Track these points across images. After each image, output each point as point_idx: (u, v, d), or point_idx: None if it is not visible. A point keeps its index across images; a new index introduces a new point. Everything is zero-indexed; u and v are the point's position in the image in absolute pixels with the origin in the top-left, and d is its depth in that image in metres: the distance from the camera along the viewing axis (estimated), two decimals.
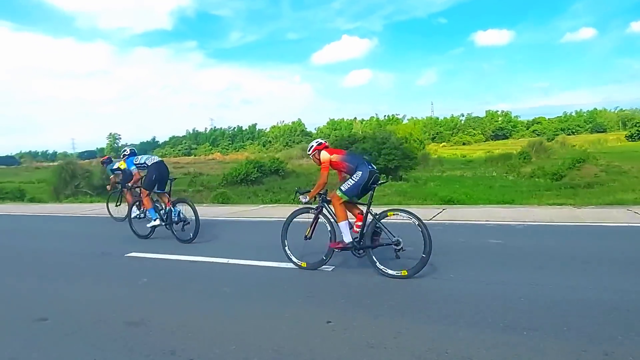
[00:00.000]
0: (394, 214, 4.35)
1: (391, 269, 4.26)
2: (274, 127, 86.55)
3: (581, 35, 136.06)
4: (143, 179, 7.11)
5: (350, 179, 4.51)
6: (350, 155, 4.81)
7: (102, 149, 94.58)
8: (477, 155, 54.75)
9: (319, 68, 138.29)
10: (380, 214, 4.42)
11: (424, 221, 4.22)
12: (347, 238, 4.54)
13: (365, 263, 4.48)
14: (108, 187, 9.74)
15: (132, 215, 7.60)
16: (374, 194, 4.56)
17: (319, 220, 4.76)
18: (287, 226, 4.94)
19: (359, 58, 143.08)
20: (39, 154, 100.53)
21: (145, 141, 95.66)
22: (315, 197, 4.72)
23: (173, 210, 6.61)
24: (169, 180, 7.04)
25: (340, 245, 4.59)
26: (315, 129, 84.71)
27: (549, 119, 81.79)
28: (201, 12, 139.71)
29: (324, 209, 4.75)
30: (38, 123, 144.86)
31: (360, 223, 4.53)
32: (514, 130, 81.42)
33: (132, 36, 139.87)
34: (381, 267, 4.33)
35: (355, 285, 4.21)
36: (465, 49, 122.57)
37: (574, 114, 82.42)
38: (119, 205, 9.15)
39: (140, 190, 7.13)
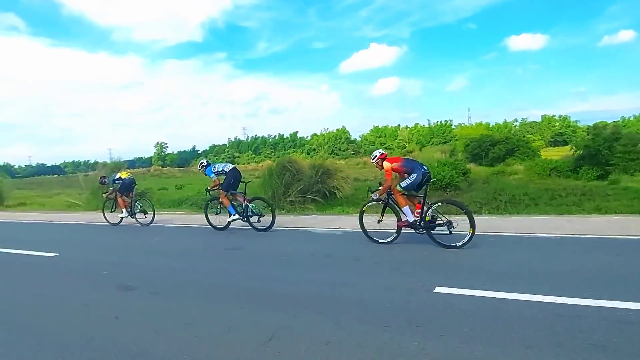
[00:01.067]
0: (443, 203, 6.39)
1: (446, 243, 6.05)
2: (315, 134, 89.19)
3: (620, 37, 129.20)
4: (222, 182, 8.76)
5: (407, 178, 6.40)
6: (406, 162, 6.75)
7: (149, 158, 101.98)
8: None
9: (346, 77, 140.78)
10: (434, 202, 6.32)
11: (467, 206, 6.06)
12: (410, 217, 6.39)
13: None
14: (104, 195, 11.21)
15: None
16: (428, 188, 6.50)
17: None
18: (362, 214, 6.92)
19: (387, 66, 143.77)
20: (81, 163, 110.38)
21: (184, 150, 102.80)
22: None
23: (249, 206, 8.54)
24: (242, 183, 8.93)
25: (406, 224, 6.44)
26: (359, 136, 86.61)
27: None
28: (230, 23, 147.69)
29: (390, 200, 6.68)
30: (76, 134, 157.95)
31: (419, 210, 6.37)
32: (574, 136, 79.17)
33: (164, 49, 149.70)
34: (439, 241, 6.11)
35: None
36: (498, 54, 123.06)
37: (632, 118, 78.93)
38: (114, 211, 10.94)
39: (220, 191, 8.78)
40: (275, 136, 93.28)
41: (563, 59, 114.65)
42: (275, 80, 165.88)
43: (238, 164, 79.98)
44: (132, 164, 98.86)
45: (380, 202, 6.77)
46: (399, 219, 6.54)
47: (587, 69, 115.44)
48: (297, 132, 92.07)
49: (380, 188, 6.71)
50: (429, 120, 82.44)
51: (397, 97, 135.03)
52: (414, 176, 6.33)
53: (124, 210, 10.64)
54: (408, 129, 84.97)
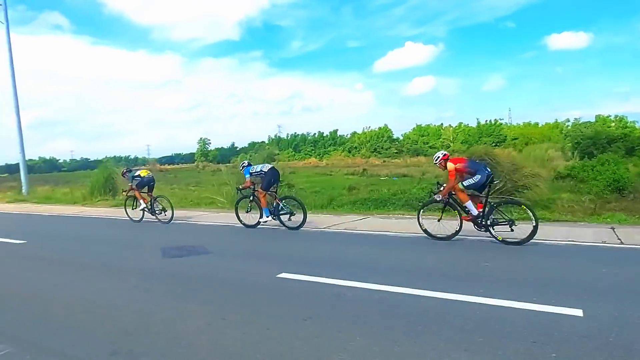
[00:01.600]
0: (506, 204, 7.07)
1: (505, 238, 6.67)
2: (355, 132, 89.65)
3: None
4: (261, 183, 9.16)
5: (471, 178, 6.93)
6: (471, 163, 7.29)
7: (190, 154, 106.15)
8: None
9: (381, 75, 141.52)
10: (498, 202, 7.00)
11: (529, 203, 6.79)
12: (474, 211, 6.99)
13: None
14: (124, 193, 11.89)
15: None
16: (489, 189, 7.06)
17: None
18: (420, 212, 7.51)
19: (422, 64, 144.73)
20: (122, 158, 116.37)
21: (223, 147, 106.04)
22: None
23: (279, 204, 9.04)
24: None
25: (469, 217, 7.04)
26: (401, 135, 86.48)
27: None
28: (266, 22, 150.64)
29: (450, 200, 7.29)
30: (115, 130, 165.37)
31: (480, 210, 6.98)
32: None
33: (201, 47, 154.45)
34: (499, 238, 6.72)
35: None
36: (537, 53, 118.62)
37: None
38: (135, 208, 11.39)
39: (259, 191, 9.16)
40: (315, 133, 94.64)
41: (606, 57, 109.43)
42: (309, 79, 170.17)
43: (278, 161, 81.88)
44: (170, 159, 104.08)
45: (439, 202, 7.35)
46: (461, 214, 7.12)
47: (631, 68, 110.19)
48: (336, 130, 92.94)
49: (442, 189, 7.28)
50: (477, 119, 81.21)
51: (432, 96, 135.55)
52: (477, 177, 6.86)
53: (142, 202, 11.10)
54: (452, 128, 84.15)
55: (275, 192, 9.42)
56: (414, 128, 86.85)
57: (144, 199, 11.20)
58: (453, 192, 7.23)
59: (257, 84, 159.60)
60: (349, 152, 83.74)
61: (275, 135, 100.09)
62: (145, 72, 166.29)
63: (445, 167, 7.22)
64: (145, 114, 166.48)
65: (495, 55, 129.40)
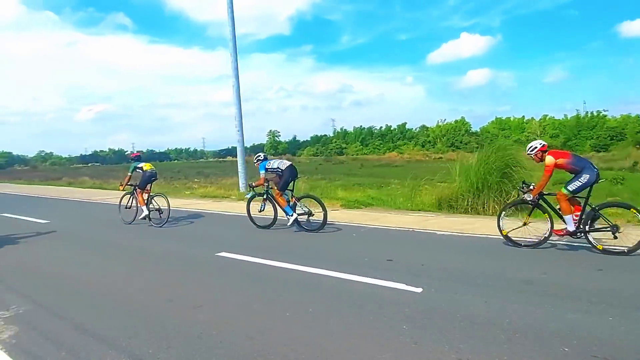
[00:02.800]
0: (614, 207, 6.27)
1: (608, 247, 5.97)
2: (424, 125, 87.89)
3: None
4: (279, 182, 8.61)
5: (577, 180, 6.06)
6: (576, 159, 6.31)
7: (261, 145, 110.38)
8: None
9: (433, 68, 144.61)
10: (600, 205, 6.18)
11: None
12: (571, 227, 6.21)
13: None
14: (120, 187, 10.64)
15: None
16: (591, 190, 6.21)
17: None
18: (502, 214, 6.77)
19: (477, 56, 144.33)
20: (183, 150, 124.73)
21: (285, 140, 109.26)
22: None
23: (297, 204, 8.52)
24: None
25: (563, 233, 6.28)
26: (479, 128, 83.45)
27: None
28: (316, 16, 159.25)
29: (541, 201, 6.53)
30: (172, 123, 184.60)
31: (578, 213, 6.25)
32: None
33: (251, 43, 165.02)
34: (600, 247, 6.00)
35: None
36: (604, 43, 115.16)
37: None
38: (129, 207, 10.30)
39: (274, 190, 8.72)
40: (382, 127, 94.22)
41: None
42: (359, 73, 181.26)
43: (347, 154, 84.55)
44: (229, 152, 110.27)
45: (528, 203, 6.60)
46: (552, 227, 6.37)
47: None
48: (405, 123, 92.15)
49: (531, 187, 6.51)
50: (577, 111, 76.08)
51: (488, 89, 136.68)
52: (585, 177, 6.01)
53: (144, 208, 10.05)
54: (537, 121, 79.66)
55: (292, 191, 8.77)
56: (492, 121, 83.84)
57: (146, 206, 10.11)
58: (545, 193, 6.52)
59: (306, 78, 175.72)
60: (422, 146, 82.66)
61: (341, 128, 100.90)
62: (199, 68, 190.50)
63: (542, 159, 6.34)
64: (199, 107, 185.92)
65: (556, 46, 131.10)
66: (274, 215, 8.96)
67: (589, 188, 6.17)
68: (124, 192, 10.61)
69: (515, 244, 6.63)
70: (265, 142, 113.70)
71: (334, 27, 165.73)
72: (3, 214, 12.90)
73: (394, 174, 24.58)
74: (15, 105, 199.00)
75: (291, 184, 8.70)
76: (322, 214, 8.39)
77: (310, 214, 8.53)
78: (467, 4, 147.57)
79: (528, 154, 6.67)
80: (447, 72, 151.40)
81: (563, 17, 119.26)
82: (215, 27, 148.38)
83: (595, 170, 6.14)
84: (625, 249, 5.87)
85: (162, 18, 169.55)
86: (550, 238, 6.54)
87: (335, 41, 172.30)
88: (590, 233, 6.16)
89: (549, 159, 6.28)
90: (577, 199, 6.37)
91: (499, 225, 6.74)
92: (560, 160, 6.27)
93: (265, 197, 9.07)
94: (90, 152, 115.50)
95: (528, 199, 6.55)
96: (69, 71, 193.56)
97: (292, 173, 8.63)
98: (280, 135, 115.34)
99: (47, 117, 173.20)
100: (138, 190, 10.25)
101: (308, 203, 8.80)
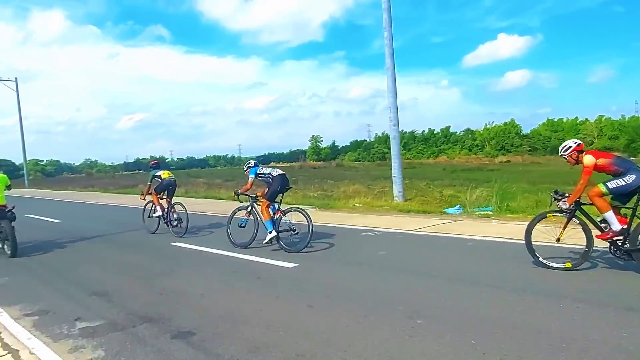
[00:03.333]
0: None
1: None
2: (469, 129, 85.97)
3: None
4: (266, 190, 8.03)
5: (620, 179, 5.21)
6: (620, 160, 5.53)
7: (300, 151, 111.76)
8: None
9: (468, 71, 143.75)
10: None
11: None
12: (616, 226, 5.28)
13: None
14: (142, 197, 10.74)
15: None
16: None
17: (572, 221, 5.67)
18: (532, 227, 5.86)
19: (515, 57, 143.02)
20: (221, 157, 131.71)
21: (325, 146, 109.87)
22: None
23: (282, 218, 7.80)
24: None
25: (610, 235, 5.33)
26: (529, 130, 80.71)
27: None
28: (349, 22, 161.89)
29: (578, 210, 5.64)
30: (207, 131, 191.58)
31: (625, 226, 5.30)
32: None
33: (283, 50, 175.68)
34: None
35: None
36: None
37: None
38: (151, 217, 10.47)
39: (261, 200, 8.03)
40: (424, 131, 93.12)
41: None
42: None
43: (389, 159, 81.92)
44: (267, 159, 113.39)
45: (563, 213, 5.74)
46: (600, 230, 5.50)
47: None
48: (449, 126, 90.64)
49: (568, 195, 5.63)
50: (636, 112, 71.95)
51: (526, 91, 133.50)
52: (631, 177, 5.15)
53: (158, 208, 10.26)
54: (593, 122, 75.96)
55: (279, 203, 8.10)
56: (543, 123, 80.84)
57: (161, 206, 10.33)
58: (584, 203, 5.62)
59: (338, 84, 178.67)
60: (469, 150, 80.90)
61: (383, 133, 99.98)
62: (233, 76, 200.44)
63: (578, 160, 5.54)
64: (234, 115, 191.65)
65: (600, 45, 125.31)
66: (254, 233, 8.07)
67: (636, 197, 5.29)
68: (146, 201, 10.75)
69: (547, 266, 5.76)
70: (307, 148, 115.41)
71: (365, 32, 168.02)
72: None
73: (512, 179, 18.74)
74: (60, 115, 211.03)
75: (279, 196, 8.07)
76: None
77: (294, 230, 7.67)
78: (504, 5, 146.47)
79: (561, 154, 5.81)
80: (484, 74, 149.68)
81: (607, 14, 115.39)
82: (249, 35, 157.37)
83: None
84: None
85: (198, 28, 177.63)
86: (591, 254, 5.66)
87: (367, 46, 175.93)
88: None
89: (589, 159, 5.43)
90: (621, 208, 5.49)
91: (528, 245, 5.90)
92: (602, 161, 5.43)
93: (249, 209, 8.32)
94: (133, 160, 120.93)
95: (563, 207, 5.65)
96: (109, 82, 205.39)
97: (282, 182, 7.99)
98: (322, 141, 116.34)
99: (90, 126, 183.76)
100: (155, 194, 10.43)
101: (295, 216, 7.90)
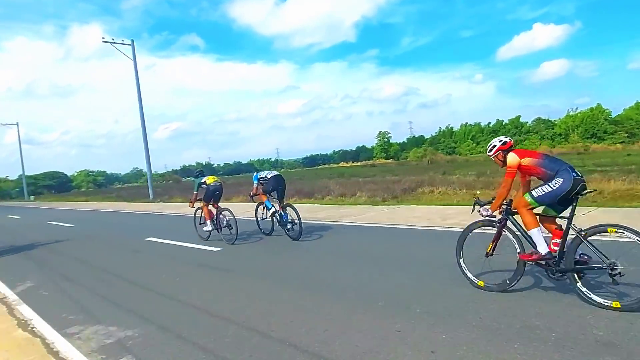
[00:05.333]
0: (616, 231, 4.25)
1: (600, 297, 4.26)
2: (539, 118, 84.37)
3: None
4: (263, 187, 10.38)
5: (546, 185, 4.62)
6: (549, 160, 4.82)
7: (371, 148, 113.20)
8: None
9: (502, 64, 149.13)
10: (590, 229, 4.40)
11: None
12: (543, 248, 4.68)
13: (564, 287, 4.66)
14: (190, 204, 11.52)
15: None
16: (576, 205, 4.57)
17: (503, 234, 5.08)
18: (464, 239, 5.37)
19: (552, 47, 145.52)
20: (265, 161, 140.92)
21: (397, 142, 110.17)
22: (498, 208, 5.03)
23: (282, 213, 10.04)
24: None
25: (534, 257, 4.74)
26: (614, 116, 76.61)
27: None
28: (379, 21, 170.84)
29: (508, 221, 5.03)
30: (241, 137, 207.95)
31: (558, 241, 4.64)
32: None
33: (315, 53, 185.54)
34: (587, 292, 4.34)
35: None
36: None
37: None
38: (202, 223, 11.04)
39: (260, 194, 10.47)
40: (490, 123, 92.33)
41: None
42: (423, 74, 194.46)
43: (459, 154, 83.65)
44: (313, 160, 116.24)
45: (493, 225, 5.14)
46: (522, 251, 4.87)
47: None
48: (519, 116, 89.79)
49: (492, 201, 5.07)
50: None
51: (564, 81, 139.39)
52: (558, 182, 4.52)
53: (208, 222, 10.82)
54: None
55: (280, 200, 10.34)
56: (631, 107, 77.16)
57: (210, 214, 10.89)
58: (513, 208, 4.98)
59: (370, 84, 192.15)
60: (552, 139, 79.37)
61: (448, 126, 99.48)
62: (264, 82, 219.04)
63: (505, 161, 4.96)
64: (267, 120, 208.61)
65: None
66: (271, 225, 10.73)
67: (572, 206, 4.59)
68: (195, 208, 11.54)
69: (475, 285, 5.19)
70: (374, 145, 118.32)
71: (395, 30, 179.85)
72: None
73: None
74: (99, 128, 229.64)
75: (275, 193, 10.34)
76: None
77: (293, 222, 9.94)
78: None
79: (488, 154, 5.17)
80: (519, 66, 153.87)
81: None
82: (280, 39, 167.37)
83: (574, 176, 4.50)
84: (619, 303, 4.09)
85: (230, 35, 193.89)
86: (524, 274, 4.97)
87: (397, 44, 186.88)
88: (576, 273, 4.46)
89: (511, 158, 4.83)
90: (556, 219, 4.79)
91: (458, 253, 5.40)
92: (526, 161, 4.78)
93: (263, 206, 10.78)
94: (180, 167, 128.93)
95: (485, 213, 5.08)
96: (145, 93, 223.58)
97: (277, 182, 10.32)
98: (391, 137, 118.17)
99: (128, 137, 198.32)
100: (205, 203, 11.00)
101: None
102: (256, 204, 11.35)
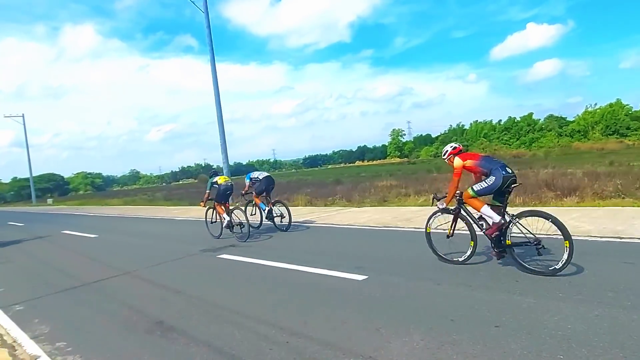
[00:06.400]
0: (532, 216, 6.03)
1: (530, 265, 5.95)
2: (551, 115, 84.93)
3: None
4: (255, 188, 12.35)
5: (483, 182, 6.28)
6: (485, 160, 6.49)
7: (372, 148, 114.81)
8: None
9: (496, 63, 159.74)
10: (519, 214, 6.11)
11: (562, 223, 5.73)
12: (496, 218, 6.23)
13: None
14: (202, 204, 12.61)
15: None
16: (509, 196, 6.29)
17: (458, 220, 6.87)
18: (429, 225, 7.14)
19: (546, 47, 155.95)
20: (264, 162, 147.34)
21: (410, 140, 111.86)
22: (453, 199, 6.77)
23: (272, 209, 12.15)
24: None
25: (494, 228, 6.24)
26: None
27: None
28: (374, 21, 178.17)
29: (461, 210, 6.76)
30: (236, 138, 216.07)
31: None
32: None
33: (309, 53, 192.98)
34: (521, 262, 6.01)
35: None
36: None
37: None
38: (215, 222, 12.26)
39: (254, 195, 12.39)
40: (501, 120, 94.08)
41: None
42: (416, 75, 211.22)
43: (486, 149, 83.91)
44: (314, 161, 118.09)
45: (449, 213, 6.88)
46: (483, 228, 6.51)
47: None
48: (531, 113, 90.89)
49: (446, 196, 6.83)
50: None
51: (557, 80, 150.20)
52: (492, 179, 6.19)
53: (224, 216, 11.80)
54: None
55: (268, 198, 12.49)
56: None
57: (224, 213, 11.89)
58: (463, 201, 6.71)
59: (364, 84, 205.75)
60: (571, 136, 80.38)
61: (458, 125, 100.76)
62: (258, 83, 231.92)
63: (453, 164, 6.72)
64: (261, 120, 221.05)
65: (629, 28, 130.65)
66: (260, 219, 12.61)
67: (506, 197, 6.33)
68: (206, 207, 12.73)
69: (442, 258, 7.03)
70: (387, 143, 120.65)
71: (388, 31, 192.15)
72: None
73: None
74: (92, 130, 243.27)
75: (266, 193, 12.40)
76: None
77: (282, 216, 12.15)
78: None
79: (443, 158, 6.97)
80: (512, 66, 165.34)
81: None
82: (275, 40, 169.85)
83: (505, 173, 6.17)
84: (557, 266, 5.79)
85: (224, 35, 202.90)
86: (477, 251, 6.74)
87: (391, 44, 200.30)
88: (514, 248, 6.17)
89: (457, 161, 6.60)
90: (496, 207, 6.43)
91: (428, 236, 7.20)
92: (469, 162, 6.52)
93: (253, 204, 12.71)
94: (178, 169, 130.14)
95: (441, 206, 6.93)
96: (139, 95, 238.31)
97: (268, 182, 12.35)
98: (405, 135, 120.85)
99: (121, 139, 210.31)
100: (216, 203, 12.05)
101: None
102: (205, 208, 12.71)
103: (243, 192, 12.83)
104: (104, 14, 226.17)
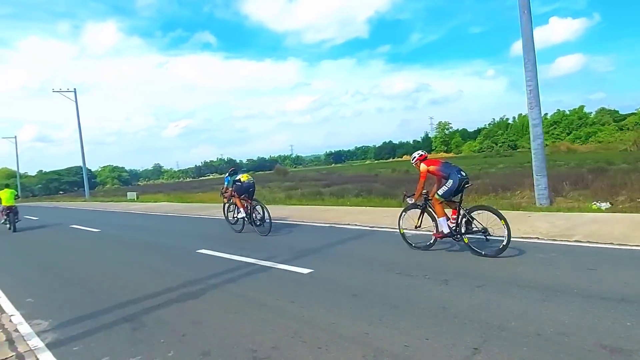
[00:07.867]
0: (480, 211, 8.17)
1: (481, 250, 7.97)
2: (602, 108, 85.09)
3: None
4: (235, 189, 13.44)
5: (444, 185, 8.26)
6: (444, 166, 8.50)
7: (416, 143, 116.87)
8: None
9: (514, 59, 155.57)
10: (470, 208, 8.23)
11: (504, 215, 7.83)
12: (445, 229, 8.39)
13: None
14: (224, 200, 14.98)
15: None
16: (462, 195, 8.40)
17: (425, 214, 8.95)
18: (401, 217, 9.28)
19: (569, 41, 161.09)
20: (287, 157, 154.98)
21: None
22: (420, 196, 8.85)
23: (254, 212, 13.13)
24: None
25: (440, 235, 8.50)
26: None
27: None
28: (391, 17, 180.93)
29: (427, 206, 8.82)
30: (250, 134, 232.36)
31: (455, 216, 8.34)
32: None
33: (325, 49, 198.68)
34: (474, 247, 8.04)
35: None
36: None
37: None
38: (232, 211, 14.34)
39: (235, 197, 13.58)
40: (547, 114, 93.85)
41: None
42: (433, 71, 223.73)
43: (522, 147, 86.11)
44: (338, 157, 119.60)
45: (417, 208, 8.97)
46: (436, 230, 8.60)
47: None
48: (583, 106, 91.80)
49: (415, 194, 8.88)
50: None
51: (579, 76, 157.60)
52: (450, 182, 8.17)
53: (242, 210, 13.43)
54: None
55: (249, 201, 13.38)
56: None
57: (243, 207, 13.42)
58: (430, 198, 8.73)
59: (379, 80, 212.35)
60: (620, 129, 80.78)
61: (502, 118, 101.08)
62: (273, 79, 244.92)
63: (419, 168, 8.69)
64: (276, 117, 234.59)
65: None
66: (242, 220, 13.71)
67: (460, 194, 8.37)
68: (226, 202, 15.02)
69: (409, 244, 9.17)
70: (433, 136, 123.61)
71: (405, 26, 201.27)
72: None
73: None
74: (111, 126, 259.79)
75: (245, 196, 13.40)
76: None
77: (263, 220, 13.01)
78: None
79: (412, 162, 9.02)
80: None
81: None
82: (292, 36, 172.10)
83: (459, 176, 8.20)
84: (493, 251, 7.89)
85: (242, 32, 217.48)
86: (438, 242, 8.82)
87: (407, 40, 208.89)
88: (467, 235, 8.26)
89: (422, 167, 8.63)
90: (454, 202, 8.49)
91: (399, 225, 9.33)
92: (432, 168, 8.57)
93: (234, 203, 14.02)
94: (201, 163, 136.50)
95: (410, 202, 9.12)
96: (156, 91, 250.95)
97: (249, 184, 13.37)
98: (451, 127, 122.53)
99: (139, 135, 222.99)
100: (235, 195, 13.68)
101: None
102: (223, 204, 15.13)
103: (222, 192, 14.81)
104: (124, 12, 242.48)
